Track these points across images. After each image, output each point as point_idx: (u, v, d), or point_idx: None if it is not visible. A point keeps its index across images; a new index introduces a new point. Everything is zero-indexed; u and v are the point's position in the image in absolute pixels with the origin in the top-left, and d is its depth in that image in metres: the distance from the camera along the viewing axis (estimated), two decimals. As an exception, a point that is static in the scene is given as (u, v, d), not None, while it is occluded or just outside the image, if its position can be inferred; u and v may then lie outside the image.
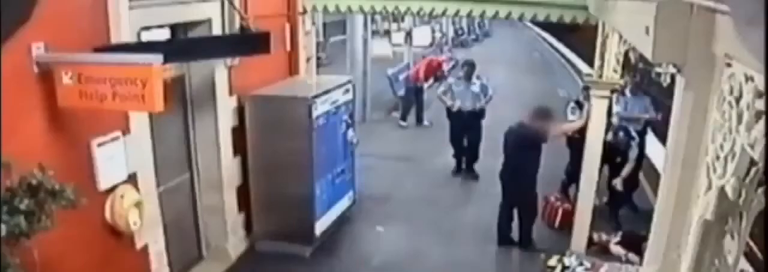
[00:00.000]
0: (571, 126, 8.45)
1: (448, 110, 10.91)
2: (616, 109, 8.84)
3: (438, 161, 11.34)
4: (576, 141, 8.84)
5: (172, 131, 6.64)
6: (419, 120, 14.92)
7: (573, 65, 24.13)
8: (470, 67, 10.91)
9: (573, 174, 9.23)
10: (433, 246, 8.12)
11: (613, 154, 8.38)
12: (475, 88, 10.75)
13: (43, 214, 3.67)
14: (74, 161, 4.80)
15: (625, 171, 8.49)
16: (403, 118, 14.95)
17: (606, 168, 8.66)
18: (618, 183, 8.50)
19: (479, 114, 10.80)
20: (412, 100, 14.99)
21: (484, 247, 8.13)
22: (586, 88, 8.31)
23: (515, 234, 8.23)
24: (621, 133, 8.46)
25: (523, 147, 7.86)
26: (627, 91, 9.24)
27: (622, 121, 8.77)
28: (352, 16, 14.09)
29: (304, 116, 7.20)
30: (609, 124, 8.06)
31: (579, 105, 8.95)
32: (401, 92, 15.83)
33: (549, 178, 9.47)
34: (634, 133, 8.65)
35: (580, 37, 19.55)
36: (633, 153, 8.54)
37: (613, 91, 7.70)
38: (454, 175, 11.00)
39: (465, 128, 10.86)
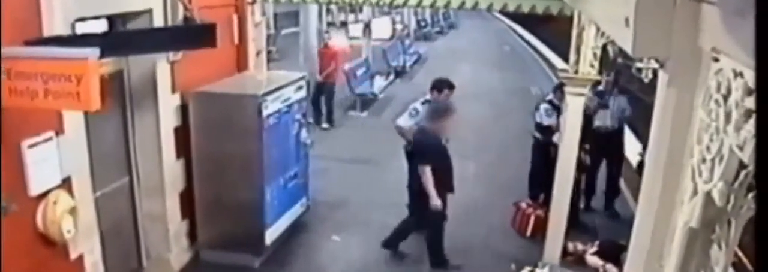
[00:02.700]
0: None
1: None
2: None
3: (397, 163, 11.45)
4: (542, 145, 9.05)
5: (109, 131, 6.68)
6: (318, 121, 14.57)
7: (547, 60, 24.50)
8: (450, 89, 8.93)
9: (533, 180, 9.46)
10: (393, 257, 8.26)
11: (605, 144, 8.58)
12: None
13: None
14: (3, 164, 4.81)
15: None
16: (328, 120, 14.71)
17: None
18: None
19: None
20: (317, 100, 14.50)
21: (451, 256, 8.15)
22: (560, 86, 8.45)
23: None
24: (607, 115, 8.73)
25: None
26: (600, 88, 9.32)
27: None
28: (306, 6, 14.20)
29: (253, 115, 7.28)
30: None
31: (553, 105, 9.04)
32: (359, 89, 15.99)
33: (520, 183, 9.69)
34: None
35: (554, 29, 19.84)
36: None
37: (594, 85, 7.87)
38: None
39: None
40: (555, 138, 8.77)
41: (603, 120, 9.14)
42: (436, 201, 7.56)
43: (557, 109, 8.76)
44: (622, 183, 9.95)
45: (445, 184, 7.72)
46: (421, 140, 7.78)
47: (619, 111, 9.27)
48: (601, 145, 9.20)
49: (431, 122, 7.78)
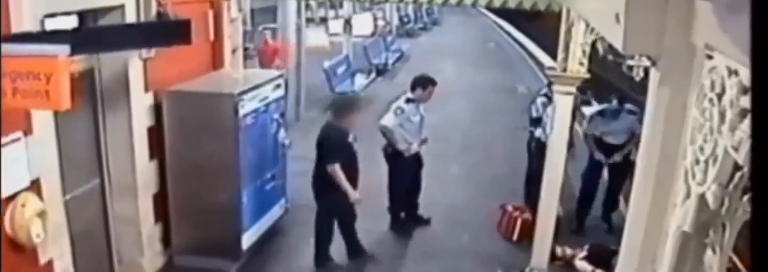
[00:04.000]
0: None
1: (398, 153, 8.94)
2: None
3: (377, 165, 11.45)
4: (535, 143, 9.06)
5: (80, 132, 6.67)
6: None
7: (534, 57, 24.60)
8: (432, 85, 8.97)
9: (529, 178, 9.47)
10: (373, 260, 8.29)
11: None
12: (418, 118, 8.99)
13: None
14: (-31, 165, 4.81)
15: None
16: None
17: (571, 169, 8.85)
18: None
19: (420, 155, 9.27)
20: None
21: (434, 262, 8.28)
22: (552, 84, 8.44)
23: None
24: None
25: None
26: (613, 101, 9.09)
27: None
28: (284, 1, 14.19)
29: (229, 115, 7.29)
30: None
31: (550, 98, 8.84)
32: (339, 88, 15.99)
33: (506, 184, 9.73)
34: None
35: (541, 25, 19.94)
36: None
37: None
38: (392, 229, 9.28)
39: (411, 175, 9.26)
40: (538, 132, 8.79)
41: (609, 134, 8.96)
42: (355, 195, 7.74)
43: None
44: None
45: (350, 181, 7.76)
46: (328, 136, 7.82)
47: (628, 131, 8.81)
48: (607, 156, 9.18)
49: (335, 117, 7.92)
